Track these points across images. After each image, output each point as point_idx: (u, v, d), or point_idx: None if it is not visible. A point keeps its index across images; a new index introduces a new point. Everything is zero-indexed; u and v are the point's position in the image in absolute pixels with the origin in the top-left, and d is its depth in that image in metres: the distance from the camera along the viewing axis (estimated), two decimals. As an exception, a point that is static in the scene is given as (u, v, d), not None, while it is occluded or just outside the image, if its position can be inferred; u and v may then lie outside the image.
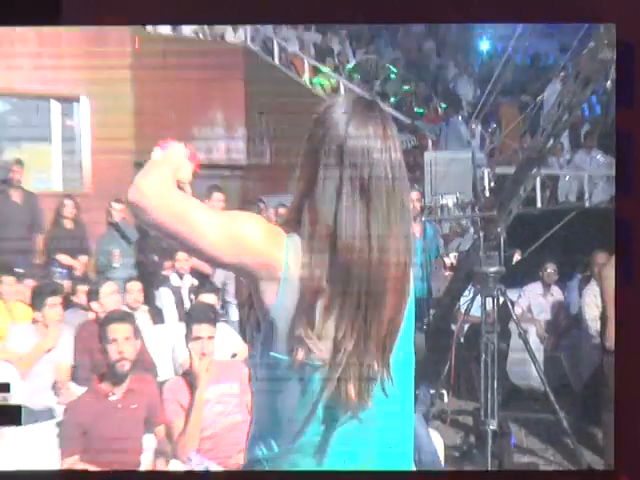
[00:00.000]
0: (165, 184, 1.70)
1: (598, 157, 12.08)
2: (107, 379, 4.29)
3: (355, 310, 1.63)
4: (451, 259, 8.40)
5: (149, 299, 7.22)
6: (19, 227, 8.32)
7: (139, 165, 1.78)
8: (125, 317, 4.59)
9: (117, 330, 4.29)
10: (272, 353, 1.68)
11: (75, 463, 4.05)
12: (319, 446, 1.70)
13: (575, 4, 3.62)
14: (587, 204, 10.97)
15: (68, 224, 8.40)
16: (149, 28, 11.82)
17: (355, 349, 1.63)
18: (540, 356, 7.15)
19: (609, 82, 9.03)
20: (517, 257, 7.71)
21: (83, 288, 6.68)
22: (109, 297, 6.04)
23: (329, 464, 1.71)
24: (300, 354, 1.63)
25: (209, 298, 6.20)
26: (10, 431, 4.22)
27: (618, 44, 3.76)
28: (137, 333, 4.53)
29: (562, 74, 9.87)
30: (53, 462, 4.07)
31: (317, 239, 1.65)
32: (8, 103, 9.41)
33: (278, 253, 1.66)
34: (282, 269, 1.65)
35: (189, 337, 4.43)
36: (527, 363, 6.64)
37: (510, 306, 6.49)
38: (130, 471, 4.00)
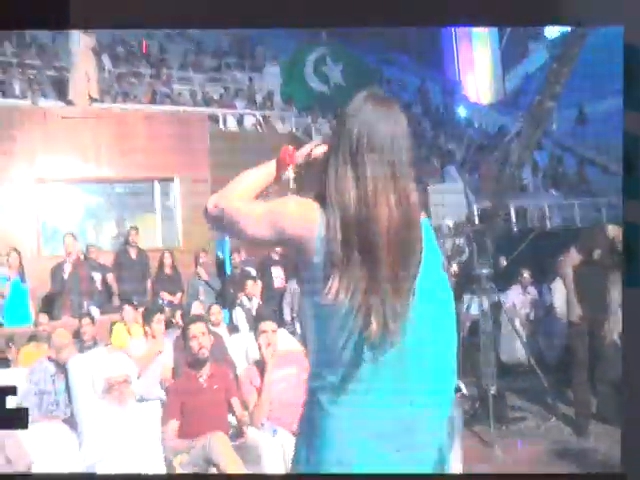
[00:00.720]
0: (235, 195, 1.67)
1: (553, 193, 13.13)
2: (193, 366, 4.24)
3: (373, 259, 1.45)
4: (454, 268, 8.36)
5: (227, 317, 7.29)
6: (135, 274, 8.50)
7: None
8: (198, 318, 4.58)
9: (195, 328, 4.23)
10: (315, 297, 1.50)
11: (175, 426, 4.02)
12: (366, 374, 1.48)
13: (581, 8, 3.00)
14: (548, 225, 11.36)
15: (167, 270, 8.57)
16: (221, 125, 12.13)
17: (380, 289, 1.44)
18: (523, 338, 7.03)
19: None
20: (503, 262, 7.66)
21: (179, 313, 6.80)
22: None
23: (376, 393, 1.48)
24: (336, 295, 1.45)
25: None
26: (130, 405, 4.23)
27: (626, 47, 2.97)
28: (209, 330, 4.48)
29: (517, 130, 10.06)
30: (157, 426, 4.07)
31: (332, 207, 1.49)
32: (127, 187, 9.67)
33: (313, 217, 1.51)
34: (317, 230, 1.49)
35: (257, 332, 4.36)
36: (514, 345, 6.75)
37: (500, 304, 6.49)
38: (135, 474, 3.80)
